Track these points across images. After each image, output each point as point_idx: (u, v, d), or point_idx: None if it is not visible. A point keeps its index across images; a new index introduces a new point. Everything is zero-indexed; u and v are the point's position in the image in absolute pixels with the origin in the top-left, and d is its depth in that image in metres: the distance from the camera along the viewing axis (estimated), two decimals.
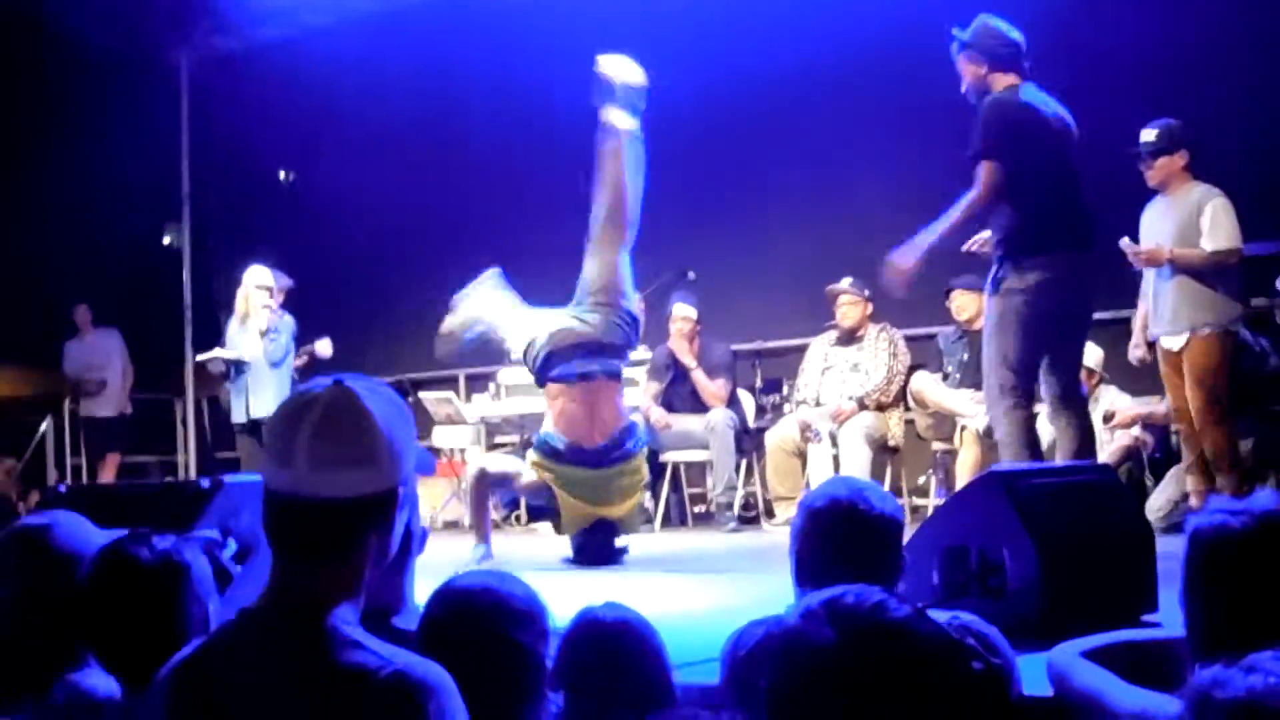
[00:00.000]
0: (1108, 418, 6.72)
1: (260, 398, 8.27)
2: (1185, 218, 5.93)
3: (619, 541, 5.87)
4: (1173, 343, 5.99)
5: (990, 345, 4.92)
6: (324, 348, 8.88)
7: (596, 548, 5.72)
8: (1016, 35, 5.06)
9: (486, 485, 5.88)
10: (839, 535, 2.41)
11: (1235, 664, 1.42)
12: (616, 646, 2.11)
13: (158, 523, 3.36)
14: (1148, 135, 6.00)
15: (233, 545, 3.59)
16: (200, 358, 8.67)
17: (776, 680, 1.42)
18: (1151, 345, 6.22)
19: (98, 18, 10.85)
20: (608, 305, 5.62)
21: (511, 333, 6.01)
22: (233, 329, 8.60)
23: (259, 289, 8.43)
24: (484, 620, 2.06)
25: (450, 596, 2.11)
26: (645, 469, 5.87)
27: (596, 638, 2.12)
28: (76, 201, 11.47)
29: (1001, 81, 5.01)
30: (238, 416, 8.49)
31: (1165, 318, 6.00)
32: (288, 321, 8.53)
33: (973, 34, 5.08)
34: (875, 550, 2.41)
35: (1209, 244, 5.87)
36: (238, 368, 8.41)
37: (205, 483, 3.62)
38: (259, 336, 8.33)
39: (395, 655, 1.64)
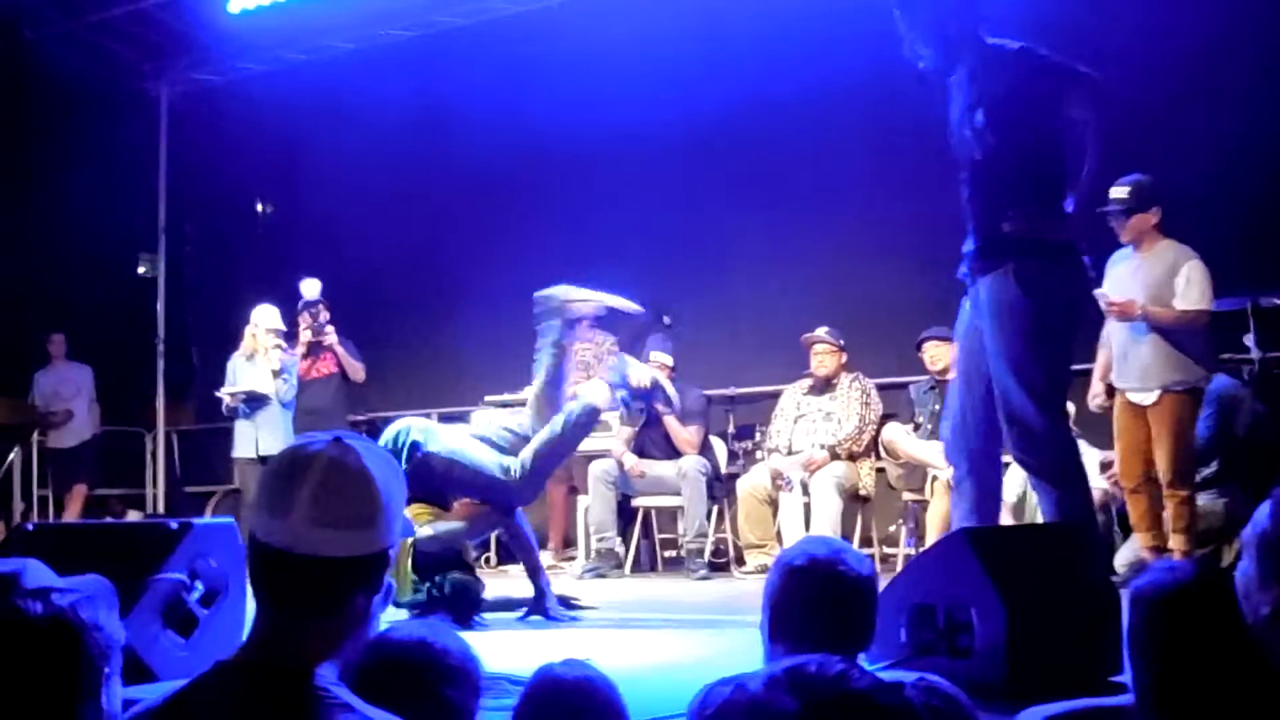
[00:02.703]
0: (1105, 466, 6.71)
1: (270, 435, 8.35)
2: (1159, 277, 5.94)
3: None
4: (1142, 398, 6.00)
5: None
6: (309, 289, 8.83)
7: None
8: None
9: None
10: (815, 595, 2.40)
11: None
12: (577, 706, 2.09)
13: (125, 563, 3.37)
14: (1118, 192, 5.91)
15: (200, 588, 3.58)
16: (226, 391, 8.55)
17: None
18: (1111, 393, 6.22)
19: (78, 49, 10.87)
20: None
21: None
22: (238, 366, 8.62)
23: (269, 331, 8.46)
24: (416, 675, 2.04)
25: (383, 649, 2.07)
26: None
27: (556, 697, 2.09)
28: (53, 231, 11.44)
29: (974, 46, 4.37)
30: (246, 451, 8.50)
31: (1134, 374, 6.00)
32: (294, 360, 8.56)
33: None
34: (850, 611, 2.41)
35: (1181, 304, 5.88)
36: (252, 402, 8.41)
37: (173, 524, 3.60)
38: (271, 375, 8.40)
39: None
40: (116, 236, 11.90)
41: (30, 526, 3.90)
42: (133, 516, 10.97)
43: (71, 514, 10.08)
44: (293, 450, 1.78)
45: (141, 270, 12.19)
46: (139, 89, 11.65)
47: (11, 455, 10.69)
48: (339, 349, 8.78)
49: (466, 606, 5.06)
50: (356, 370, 8.86)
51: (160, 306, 11.60)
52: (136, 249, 12.19)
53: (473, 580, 5.29)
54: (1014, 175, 4.24)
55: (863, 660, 2.73)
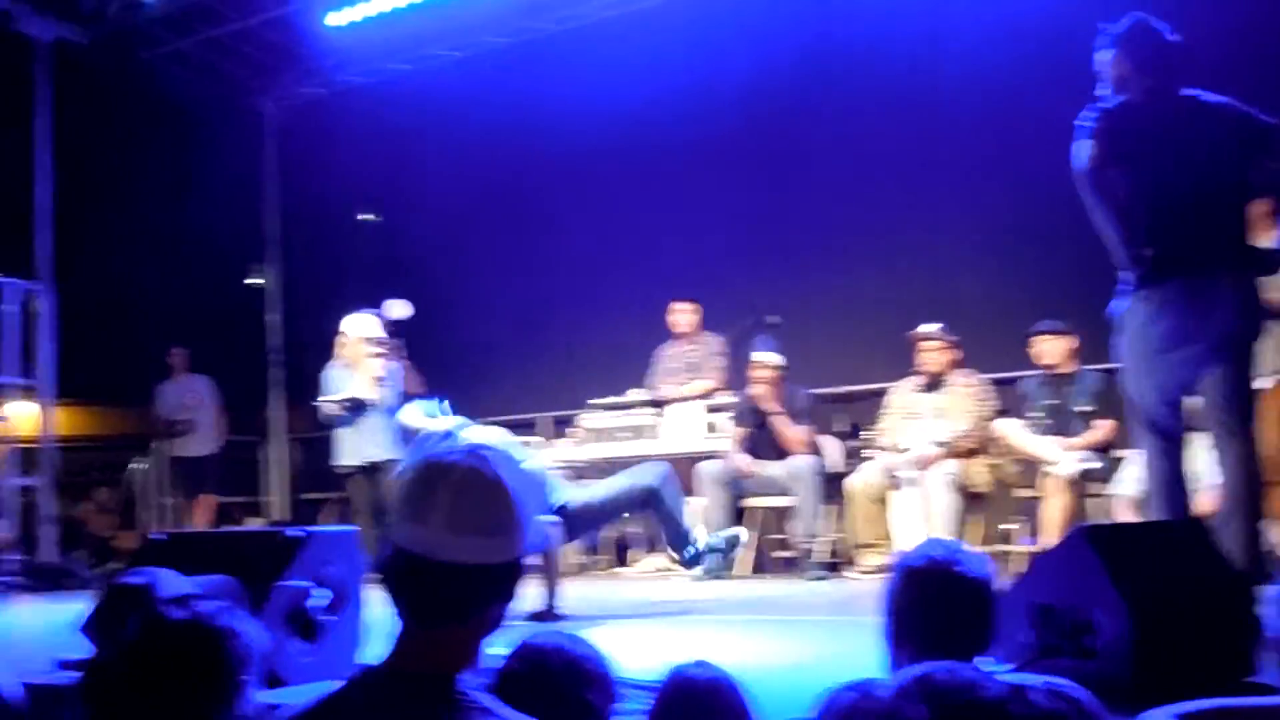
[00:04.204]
0: None
1: (373, 442, 8.27)
2: None
3: None
4: (1265, 383, 5.89)
5: None
6: (400, 309, 8.76)
7: None
8: (1173, 38, 4.66)
9: None
10: (935, 597, 2.40)
11: None
12: (710, 706, 2.12)
13: (250, 571, 3.46)
14: None
15: (323, 595, 3.65)
16: (327, 399, 8.48)
17: None
18: None
19: (189, 68, 11.15)
20: None
21: None
22: (337, 375, 8.55)
23: (364, 339, 8.42)
24: (557, 679, 2.11)
25: (527, 654, 2.16)
26: None
27: (690, 697, 2.13)
28: (169, 246, 11.75)
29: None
30: (350, 459, 8.41)
31: (1263, 361, 5.90)
32: (396, 366, 8.53)
33: (1121, 32, 4.69)
34: (970, 613, 2.40)
35: None
36: (355, 411, 8.39)
37: (296, 532, 3.67)
38: (372, 384, 8.34)
39: None
40: (229, 249, 12.19)
41: (163, 536, 4.01)
42: (252, 524, 11.22)
43: (198, 524, 10.32)
44: (430, 460, 1.83)
45: (255, 280, 12.43)
46: (247, 104, 11.94)
47: (136, 464, 11.01)
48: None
49: None
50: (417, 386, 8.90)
51: (272, 317, 11.85)
52: (249, 261, 12.46)
53: None
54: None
55: (988, 662, 2.72)
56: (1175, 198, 4.41)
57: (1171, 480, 4.59)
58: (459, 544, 1.72)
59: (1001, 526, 7.72)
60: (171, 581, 2.90)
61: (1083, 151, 4.43)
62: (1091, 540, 3.27)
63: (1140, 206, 4.42)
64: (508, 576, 1.78)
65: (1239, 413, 4.58)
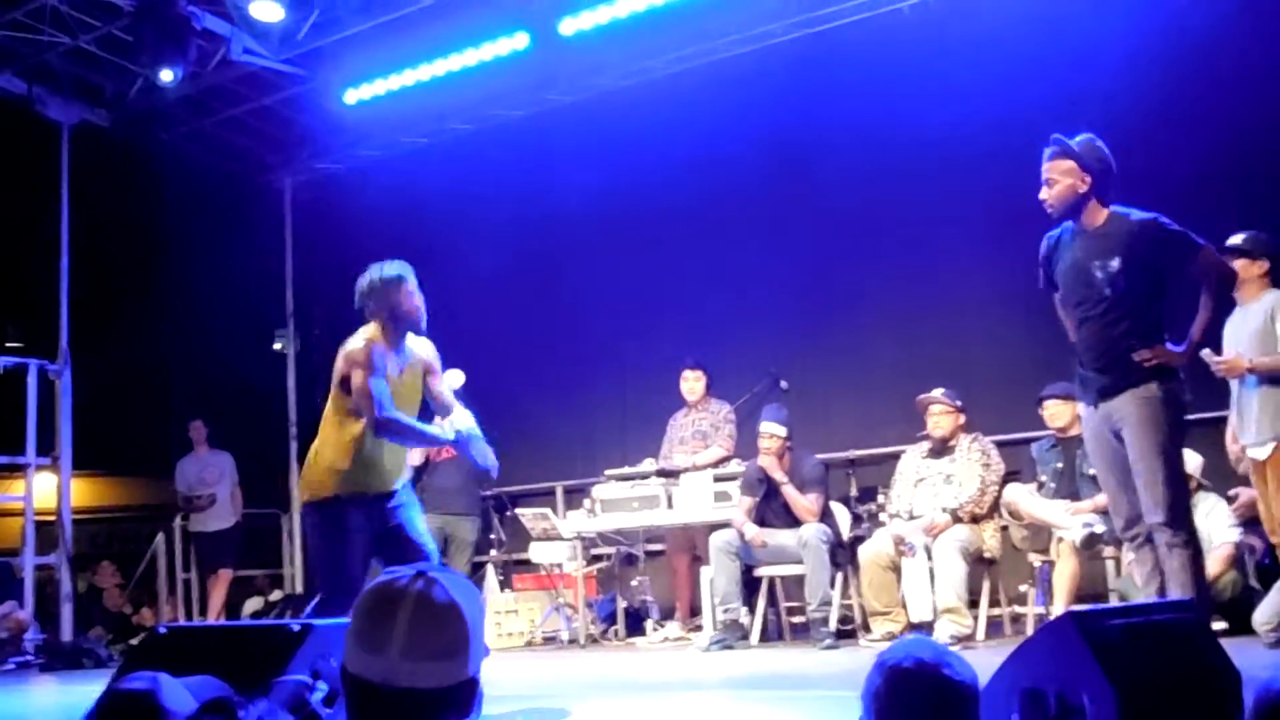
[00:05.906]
0: (1231, 499, 6.58)
1: None
2: (1260, 324, 5.91)
3: None
4: (1259, 452, 5.91)
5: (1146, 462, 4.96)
6: (454, 379, 8.79)
7: None
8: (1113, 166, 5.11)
9: None
10: (919, 698, 2.41)
11: None
12: None
13: (250, 666, 3.49)
14: (1234, 239, 6.00)
15: (323, 688, 3.69)
16: None
17: None
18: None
19: (207, 147, 11.35)
20: None
21: None
22: None
23: None
24: None
25: None
26: None
27: None
28: (189, 319, 11.89)
29: (1098, 209, 5.09)
30: None
31: (1251, 429, 5.93)
32: None
33: (1082, 146, 5.06)
34: (953, 716, 2.42)
35: None
36: None
37: (295, 626, 3.71)
38: None
39: None
40: (249, 323, 12.33)
41: (162, 629, 4.06)
42: (275, 595, 11.28)
43: (216, 598, 10.38)
44: (381, 587, 1.87)
45: (277, 346, 12.53)
46: (264, 180, 12.12)
47: (157, 539, 11.08)
48: None
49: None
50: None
51: (291, 389, 11.96)
52: (268, 336, 12.60)
53: None
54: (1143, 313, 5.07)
55: None
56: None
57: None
58: (414, 670, 1.77)
59: (1018, 588, 7.70)
60: (173, 688, 2.94)
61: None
62: (1077, 624, 3.28)
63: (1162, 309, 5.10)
64: (464, 695, 1.82)
65: None
